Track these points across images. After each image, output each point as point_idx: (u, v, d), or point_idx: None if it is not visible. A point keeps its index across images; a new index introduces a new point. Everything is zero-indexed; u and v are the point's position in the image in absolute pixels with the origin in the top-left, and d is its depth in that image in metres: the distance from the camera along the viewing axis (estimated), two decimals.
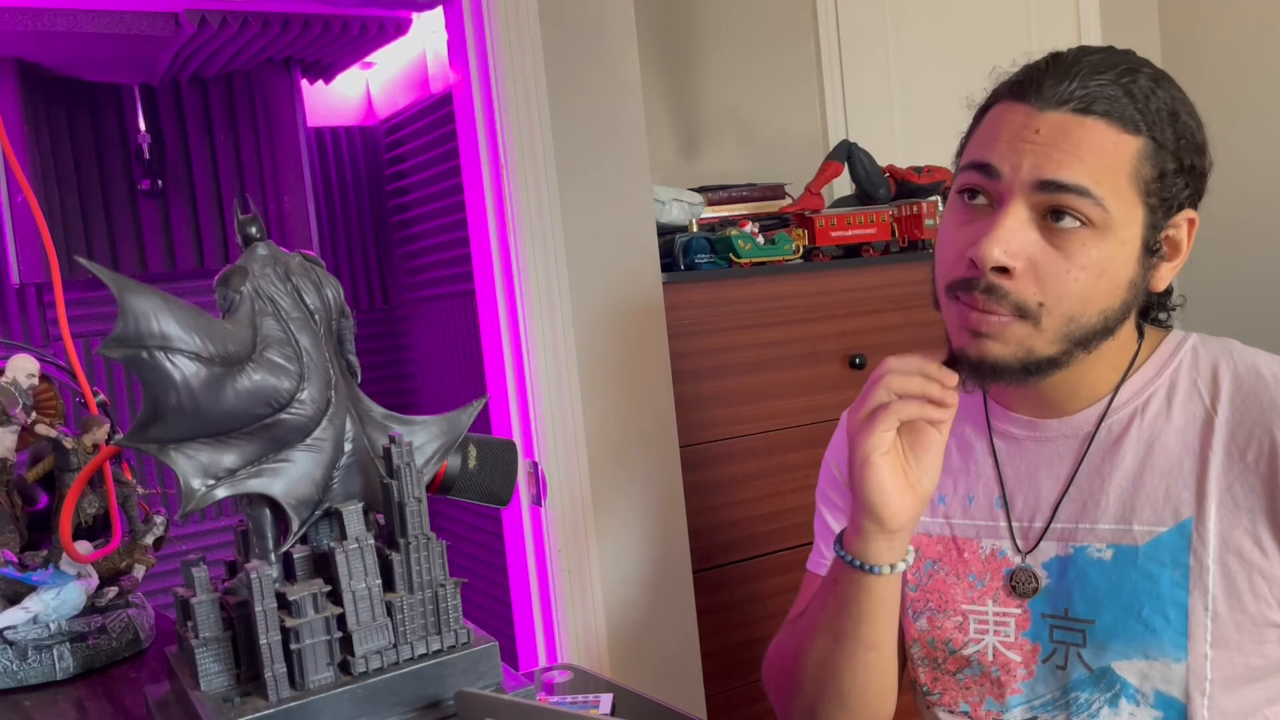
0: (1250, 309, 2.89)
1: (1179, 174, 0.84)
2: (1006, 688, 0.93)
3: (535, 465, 1.73)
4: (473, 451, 0.84)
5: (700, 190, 2.03)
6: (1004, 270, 0.82)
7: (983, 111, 0.89)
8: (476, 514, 2.14)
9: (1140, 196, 0.83)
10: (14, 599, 0.98)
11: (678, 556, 1.83)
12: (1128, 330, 0.90)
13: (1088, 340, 0.85)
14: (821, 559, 1.09)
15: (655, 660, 1.81)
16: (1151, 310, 0.95)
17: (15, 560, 0.98)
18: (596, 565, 1.76)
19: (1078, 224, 0.81)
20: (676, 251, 1.87)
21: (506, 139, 1.69)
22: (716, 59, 2.42)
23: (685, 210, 1.94)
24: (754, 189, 2.10)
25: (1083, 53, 0.84)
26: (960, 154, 0.91)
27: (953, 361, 0.90)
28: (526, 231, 1.69)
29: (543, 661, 1.79)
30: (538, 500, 1.74)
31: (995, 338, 0.84)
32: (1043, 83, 0.83)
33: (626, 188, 1.79)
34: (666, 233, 1.89)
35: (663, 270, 1.82)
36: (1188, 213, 0.86)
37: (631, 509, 1.79)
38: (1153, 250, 0.85)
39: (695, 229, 1.92)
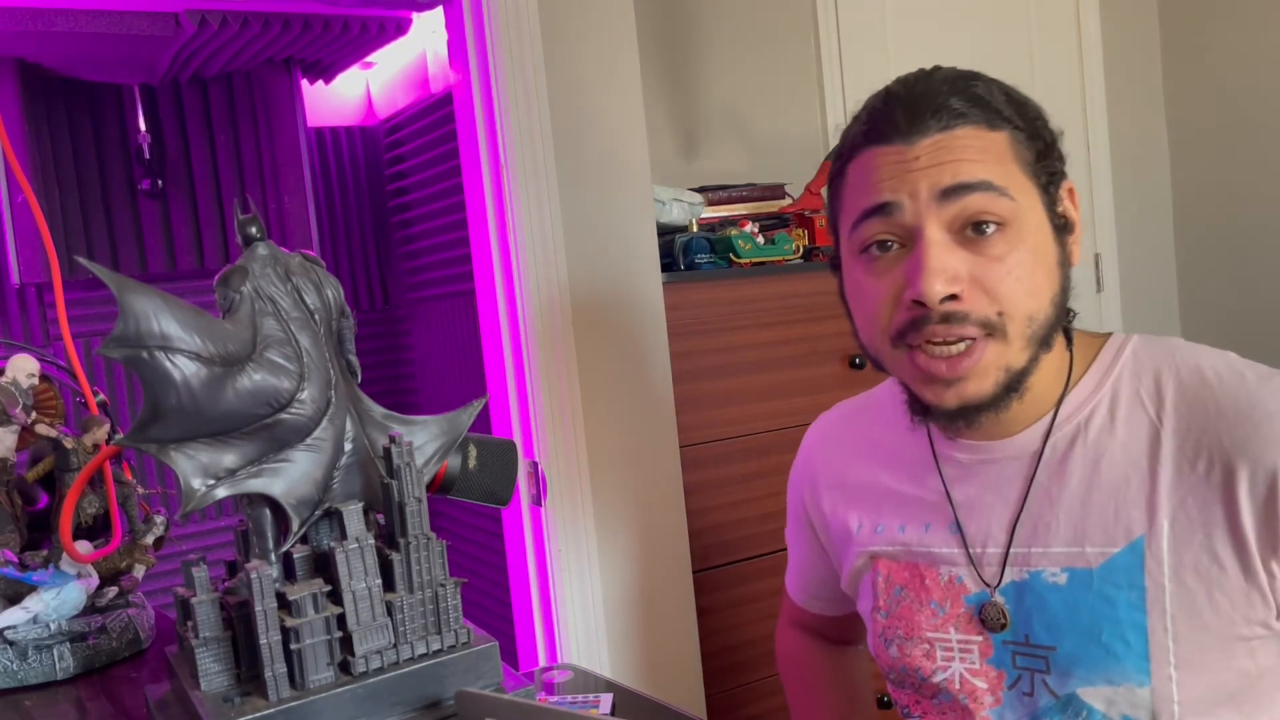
0: (1251, 310, 2.89)
1: (1048, 150, 0.86)
2: (975, 715, 0.91)
3: (535, 465, 1.73)
4: (473, 451, 0.84)
5: (700, 190, 2.03)
6: (953, 297, 0.81)
7: (842, 166, 0.89)
8: (476, 514, 2.14)
9: (1031, 179, 0.84)
10: (14, 599, 0.98)
11: (678, 556, 1.83)
12: (1057, 339, 0.89)
13: (1049, 336, 0.85)
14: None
15: (655, 660, 1.81)
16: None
17: (15, 560, 0.98)
18: (596, 565, 1.76)
19: (995, 226, 0.81)
20: (676, 251, 1.87)
21: (506, 139, 1.69)
22: (716, 59, 2.42)
23: (685, 210, 1.94)
24: (754, 189, 2.10)
25: (916, 82, 0.86)
26: (833, 219, 0.92)
27: (922, 412, 0.89)
28: (526, 231, 1.69)
29: (543, 661, 1.79)
30: (538, 500, 1.74)
31: (972, 376, 0.82)
32: (897, 121, 0.83)
33: (626, 188, 1.79)
34: (666, 233, 1.89)
35: (663, 270, 1.82)
36: (1066, 183, 0.88)
37: (631, 509, 1.79)
38: (1059, 226, 0.86)
39: (695, 229, 1.91)
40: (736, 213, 2.03)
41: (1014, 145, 0.83)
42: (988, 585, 0.90)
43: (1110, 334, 0.92)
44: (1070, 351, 0.90)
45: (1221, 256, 2.95)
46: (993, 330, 0.82)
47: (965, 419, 0.86)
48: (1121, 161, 2.96)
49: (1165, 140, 3.05)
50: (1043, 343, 0.84)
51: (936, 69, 0.87)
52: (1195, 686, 0.82)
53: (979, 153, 0.81)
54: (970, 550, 0.91)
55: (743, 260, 1.87)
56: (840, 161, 0.89)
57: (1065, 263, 0.86)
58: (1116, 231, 2.96)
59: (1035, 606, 0.87)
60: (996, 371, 0.83)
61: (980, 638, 0.91)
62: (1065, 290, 0.86)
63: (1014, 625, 0.89)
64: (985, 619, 0.90)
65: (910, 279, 0.81)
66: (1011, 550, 0.89)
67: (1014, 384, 0.84)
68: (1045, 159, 0.85)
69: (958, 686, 0.92)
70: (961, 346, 0.82)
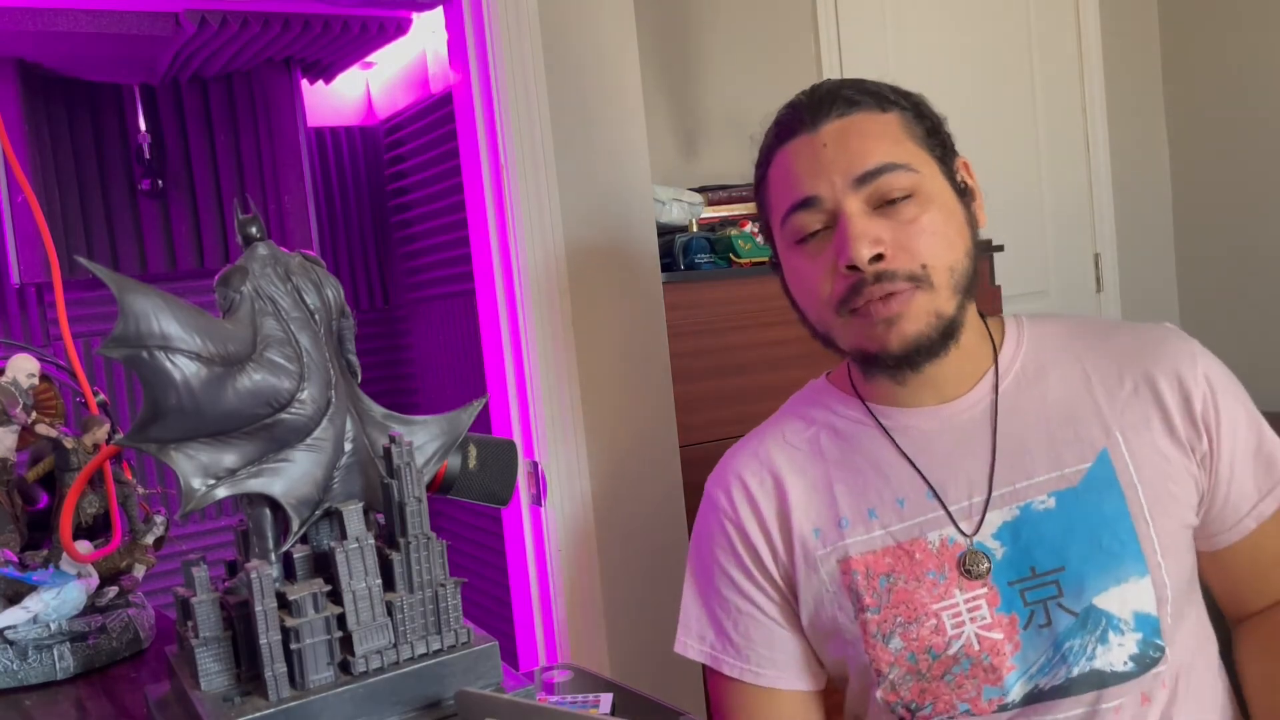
0: (1251, 310, 2.89)
1: (936, 129, 0.98)
2: (1000, 669, 0.92)
3: (535, 465, 1.74)
4: (473, 451, 0.84)
5: (700, 190, 2.03)
6: (879, 258, 0.90)
7: (764, 171, 1.00)
8: (476, 514, 2.14)
9: (926, 151, 0.95)
10: (14, 599, 0.98)
11: (678, 556, 1.83)
12: (970, 308, 0.99)
13: (969, 285, 0.95)
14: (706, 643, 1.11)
15: (655, 660, 1.81)
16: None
17: (15, 560, 0.98)
18: (596, 565, 1.76)
19: (905, 196, 0.92)
20: (676, 251, 1.86)
21: (506, 139, 1.69)
22: (716, 59, 2.42)
23: (685, 210, 1.94)
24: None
25: (814, 88, 0.97)
26: (765, 223, 1.02)
27: (871, 364, 0.97)
28: (526, 232, 1.69)
29: (543, 661, 1.79)
30: (538, 500, 1.74)
31: (905, 317, 0.91)
32: (803, 115, 0.95)
33: (626, 188, 1.79)
34: (666, 233, 1.89)
35: (663, 270, 1.82)
36: (960, 159, 0.99)
37: (631, 509, 1.79)
38: (961, 191, 0.97)
39: (695, 229, 1.91)
40: (736, 213, 2.03)
41: (905, 123, 0.95)
42: (968, 536, 0.95)
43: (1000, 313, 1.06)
44: (984, 319, 1.02)
45: (1221, 256, 2.95)
46: (920, 281, 0.91)
47: (911, 365, 0.95)
48: (1121, 161, 2.96)
49: (1165, 140, 3.05)
50: (966, 291, 0.95)
51: (829, 79, 1.00)
52: (1176, 570, 0.93)
53: (877, 137, 0.93)
54: (952, 508, 0.96)
55: (743, 260, 1.87)
56: (761, 169, 1.00)
57: (972, 224, 0.98)
58: (1116, 231, 2.96)
59: (1033, 537, 0.93)
60: (928, 315, 0.92)
61: (985, 589, 0.93)
62: (977, 245, 0.97)
63: (1014, 563, 0.94)
64: (968, 568, 0.94)
65: (840, 249, 0.92)
66: (995, 493, 0.95)
67: (949, 330, 0.94)
68: (935, 135, 0.97)
69: (976, 648, 0.93)
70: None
